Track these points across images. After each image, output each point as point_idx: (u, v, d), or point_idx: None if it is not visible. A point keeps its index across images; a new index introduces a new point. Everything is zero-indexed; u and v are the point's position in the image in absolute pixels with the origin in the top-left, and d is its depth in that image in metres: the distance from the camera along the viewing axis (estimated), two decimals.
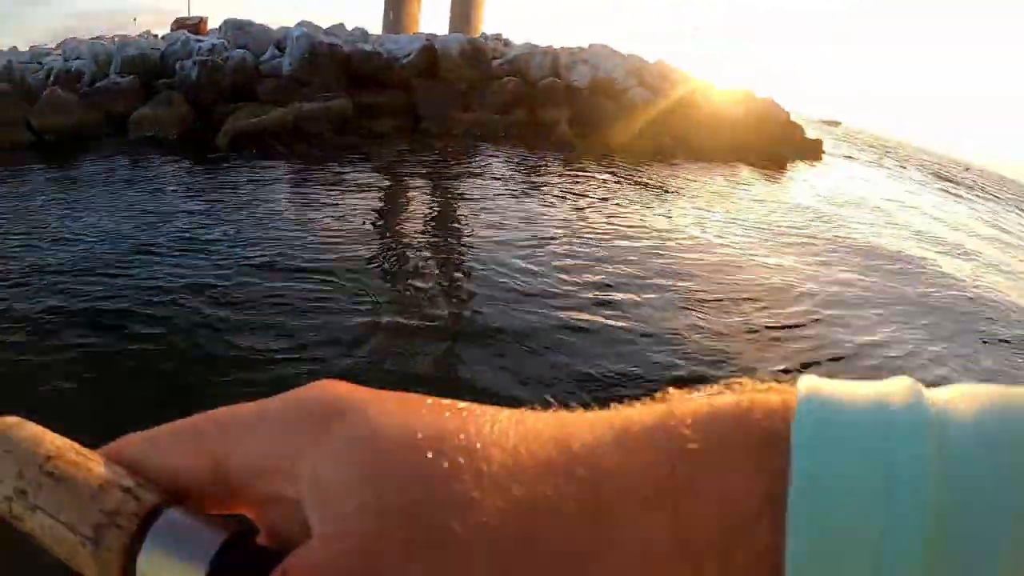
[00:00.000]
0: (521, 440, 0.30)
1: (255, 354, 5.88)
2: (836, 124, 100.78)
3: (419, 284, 8.12)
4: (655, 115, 23.67)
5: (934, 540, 0.24)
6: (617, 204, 14.20)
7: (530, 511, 0.28)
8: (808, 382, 0.28)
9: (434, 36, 24.33)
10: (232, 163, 14.17)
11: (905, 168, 47.17)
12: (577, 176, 16.77)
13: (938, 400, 0.27)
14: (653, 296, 8.85)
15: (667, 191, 16.61)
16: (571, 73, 24.02)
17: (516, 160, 17.93)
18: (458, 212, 12.28)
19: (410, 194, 13.72)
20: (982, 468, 0.24)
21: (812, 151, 30.89)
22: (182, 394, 5.14)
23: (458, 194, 13.86)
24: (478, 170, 16.21)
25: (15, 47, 22.57)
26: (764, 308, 9.27)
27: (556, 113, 22.09)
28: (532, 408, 0.32)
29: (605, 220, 12.47)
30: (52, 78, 18.17)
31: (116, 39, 21.62)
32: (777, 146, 27.22)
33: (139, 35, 24.58)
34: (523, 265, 9.05)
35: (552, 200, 13.67)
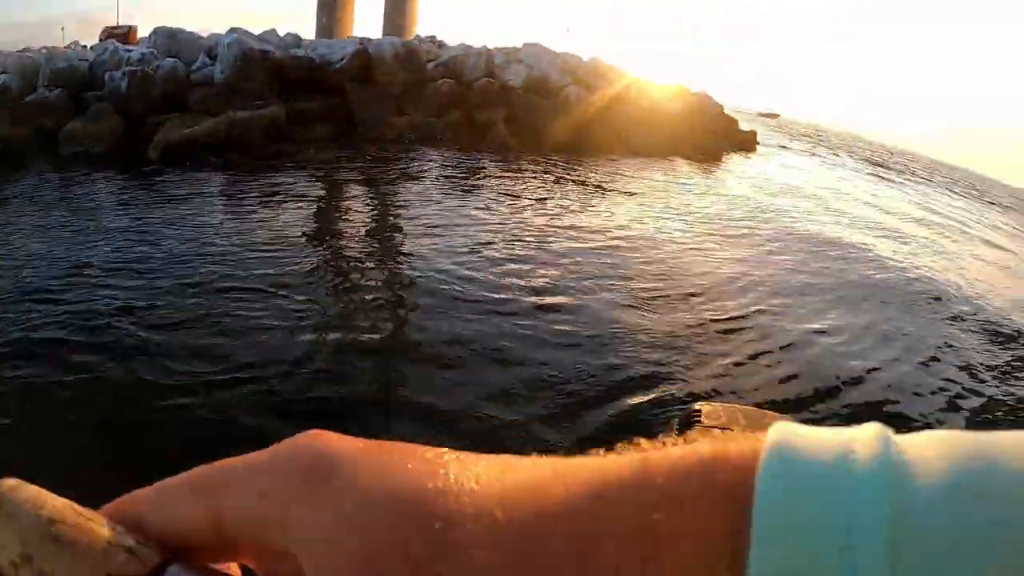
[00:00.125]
0: (508, 493, 0.30)
1: (194, 379, 5.82)
2: (775, 116, 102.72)
3: (360, 297, 8.10)
4: (591, 112, 23.83)
5: None
6: (556, 204, 14.31)
7: (518, 568, 0.28)
8: (778, 431, 0.29)
9: (368, 40, 24.18)
10: (165, 176, 13.93)
11: (838, 156, 48.18)
12: (515, 177, 16.85)
13: (907, 450, 0.27)
14: (597, 296, 8.95)
15: (606, 189, 16.78)
16: (506, 73, 24.09)
17: (453, 163, 17.94)
18: (396, 219, 12.25)
19: (347, 203, 13.64)
20: (943, 526, 0.24)
21: (747, 143, 31.42)
22: (121, 425, 5.07)
23: (396, 200, 13.82)
24: (415, 174, 16.17)
25: None
26: (709, 302, 9.43)
27: (492, 114, 22.14)
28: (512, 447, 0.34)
29: (545, 221, 12.55)
30: None
31: (44, 51, 21.13)
32: (712, 139, 27.62)
33: (67, 46, 24.07)
34: (464, 272, 9.07)
35: (490, 202, 13.72)
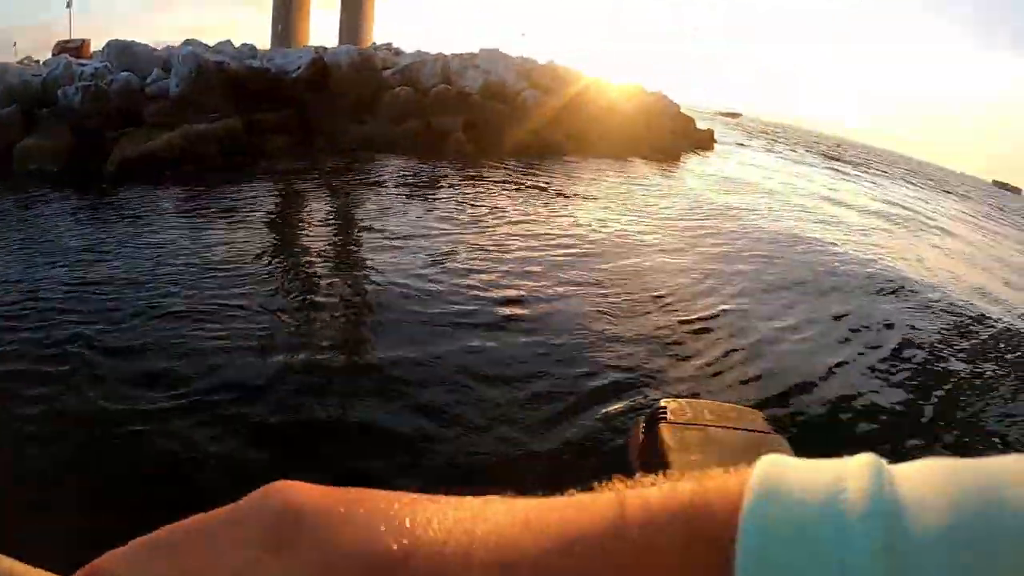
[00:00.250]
0: (476, 551, 0.30)
1: (153, 405, 5.78)
2: (736, 115, 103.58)
3: (322, 316, 8.06)
4: (549, 115, 23.90)
5: None
6: (517, 210, 14.35)
7: None
8: (764, 466, 0.29)
9: (323, 48, 24.08)
10: (121, 193, 13.78)
11: (795, 151, 48.75)
12: (475, 183, 16.88)
13: (901, 484, 0.26)
14: (562, 305, 8.98)
15: (566, 193, 16.86)
16: (462, 79, 24.10)
17: (412, 171, 17.92)
18: (357, 232, 12.21)
19: (306, 215, 13.57)
20: (933, 566, 0.23)
21: (704, 142, 31.71)
22: (79, 462, 5.03)
23: (355, 212, 13.77)
24: (375, 184, 16.13)
25: None
26: (677, 303, 9.54)
27: (450, 120, 22.10)
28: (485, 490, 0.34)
29: (506, 229, 12.58)
30: None
31: None
32: (670, 139, 27.82)
33: (20, 61, 23.72)
34: (426, 286, 9.04)
35: (450, 211, 13.71)
